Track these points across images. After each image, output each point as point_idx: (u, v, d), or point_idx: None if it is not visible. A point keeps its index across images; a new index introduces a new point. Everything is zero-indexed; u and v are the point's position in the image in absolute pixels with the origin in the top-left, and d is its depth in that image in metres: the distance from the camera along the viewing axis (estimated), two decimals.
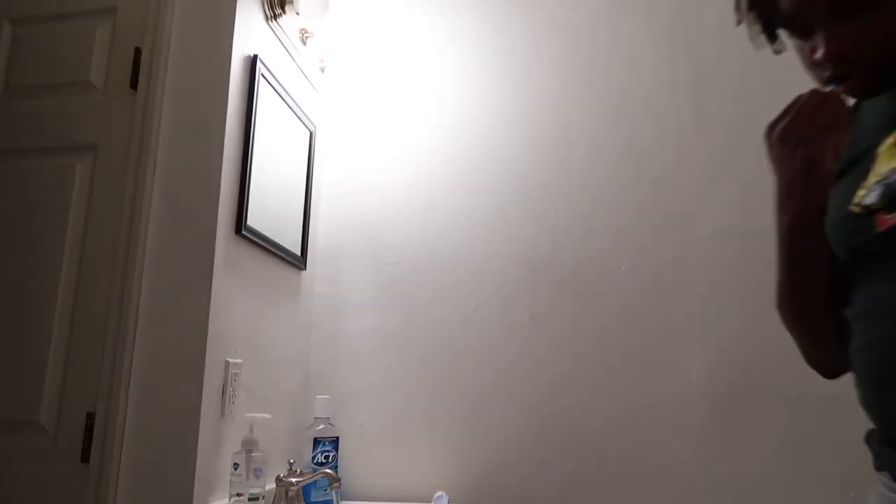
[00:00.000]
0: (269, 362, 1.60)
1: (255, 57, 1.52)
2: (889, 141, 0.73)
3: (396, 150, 1.94)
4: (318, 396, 1.75)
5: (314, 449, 1.66)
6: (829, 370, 0.90)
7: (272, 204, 1.60)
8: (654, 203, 1.76)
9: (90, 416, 1.30)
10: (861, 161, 0.76)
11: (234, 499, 1.31)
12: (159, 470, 1.26)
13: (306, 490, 1.51)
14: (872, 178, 0.73)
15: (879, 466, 0.80)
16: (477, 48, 1.96)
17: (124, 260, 1.35)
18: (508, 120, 1.89)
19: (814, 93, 0.77)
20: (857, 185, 0.75)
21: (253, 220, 1.48)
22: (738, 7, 0.83)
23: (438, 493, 1.65)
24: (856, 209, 0.74)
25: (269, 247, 1.58)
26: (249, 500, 1.31)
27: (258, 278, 1.56)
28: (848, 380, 1.66)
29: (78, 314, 1.36)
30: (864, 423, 1.64)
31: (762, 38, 0.82)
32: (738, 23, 0.83)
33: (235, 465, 1.32)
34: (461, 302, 1.81)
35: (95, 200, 1.41)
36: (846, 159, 0.78)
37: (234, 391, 1.39)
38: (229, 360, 1.39)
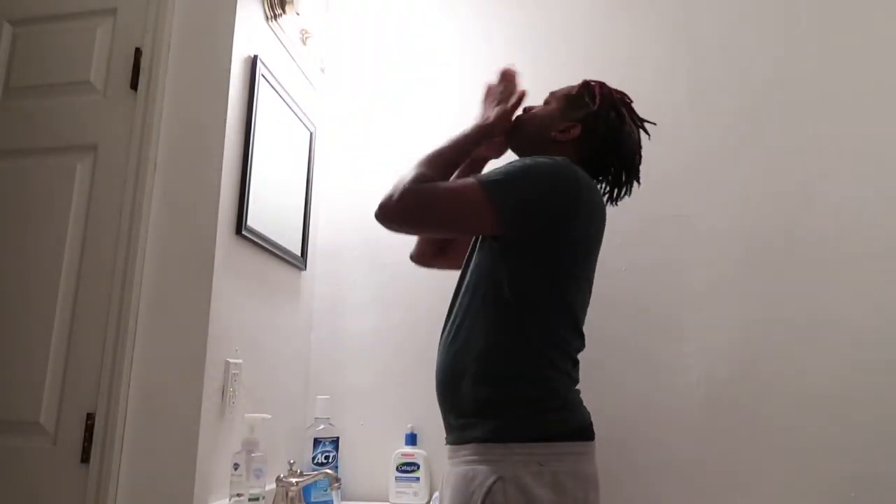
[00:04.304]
0: (269, 362, 1.60)
1: (256, 57, 1.52)
2: None
3: (396, 150, 1.94)
4: (318, 396, 1.75)
5: (314, 449, 1.66)
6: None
7: (272, 204, 1.60)
8: (654, 203, 1.76)
9: (90, 417, 1.30)
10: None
11: (234, 499, 1.31)
12: (159, 470, 1.26)
13: (306, 490, 1.51)
14: None
15: None
16: (476, 48, 1.96)
17: (124, 260, 1.35)
18: None
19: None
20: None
21: (253, 220, 1.48)
22: None
23: (437, 493, 1.65)
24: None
25: (269, 247, 1.58)
26: (250, 500, 1.31)
27: (258, 278, 1.56)
28: (848, 381, 1.66)
29: (78, 314, 1.36)
30: (864, 423, 1.64)
31: None
32: None
33: (236, 466, 1.32)
34: None
35: (95, 200, 1.41)
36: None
37: (234, 391, 1.39)
38: (229, 360, 1.39)
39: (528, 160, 1.16)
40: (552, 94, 1.34)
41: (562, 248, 1.12)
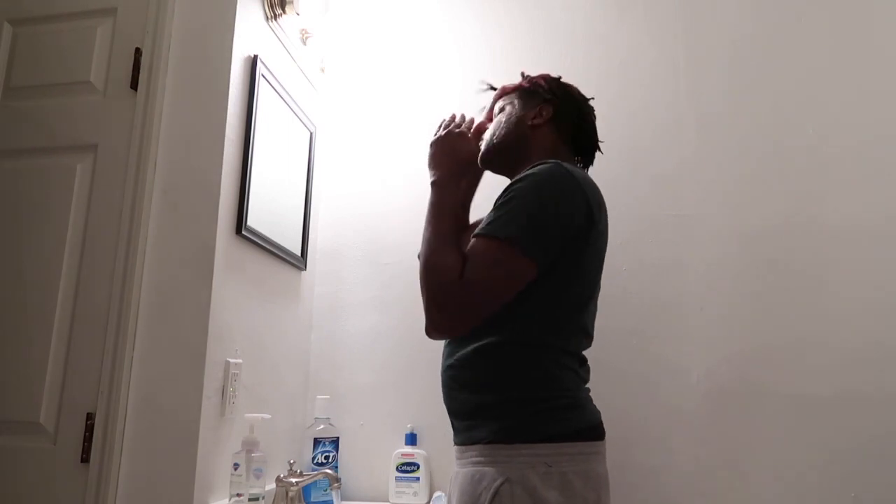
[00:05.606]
0: (269, 362, 1.60)
1: (256, 57, 1.52)
2: None
3: (396, 150, 1.94)
4: (318, 396, 1.75)
5: (314, 449, 1.66)
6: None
7: (272, 204, 1.60)
8: (655, 203, 1.76)
9: (90, 416, 1.30)
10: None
11: (234, 499, 1.31)
12: (159, 470, 1.26)
13: (306, 490, 1.51)
14: None
15: None
16: (476, 49, 1.96)
17: (124, 260, 1.35)
18: None
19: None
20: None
21: (253, 221, 1.48)
22: None
23: (437, 493, 1.65)
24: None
25: (269, 247, 1.58)
26: (249, 500, 1.31)
27: (258, 278, 1.56)
28: (848, 380, 1.66)
29: (78, 314, 1.36)
30: (865, 422, 1.64)
31: None
32: None
33: (236, 466, 1.32)
34: None
35: (95, 200, 1.41)
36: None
37: (234, 391, 1.39)
38: (229, 360, 1.39)
39: (524, 187, 1.08)
40: (500, 95, 1.35)
41: (570, 249, 1.09)
